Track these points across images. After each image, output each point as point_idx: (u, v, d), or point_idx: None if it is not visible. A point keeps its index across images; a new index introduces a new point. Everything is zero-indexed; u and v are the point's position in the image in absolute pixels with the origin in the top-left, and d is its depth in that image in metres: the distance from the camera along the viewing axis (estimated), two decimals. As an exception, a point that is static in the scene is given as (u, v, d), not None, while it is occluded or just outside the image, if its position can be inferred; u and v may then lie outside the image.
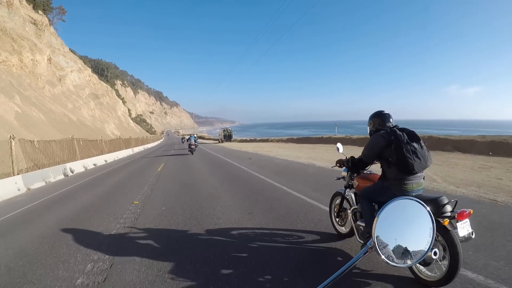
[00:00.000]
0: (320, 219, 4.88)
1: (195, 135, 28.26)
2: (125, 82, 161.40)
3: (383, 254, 0.88)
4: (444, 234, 2.52)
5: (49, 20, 55.83)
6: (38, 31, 45.57)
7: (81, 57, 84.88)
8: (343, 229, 4.03)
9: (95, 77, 71.64)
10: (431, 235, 0.92)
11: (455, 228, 2.52)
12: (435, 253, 2.43)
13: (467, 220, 2.55)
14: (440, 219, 2.50)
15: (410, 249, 0.91)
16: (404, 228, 0.93)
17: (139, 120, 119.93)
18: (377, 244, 0.88)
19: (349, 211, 3.67)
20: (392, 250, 0.89)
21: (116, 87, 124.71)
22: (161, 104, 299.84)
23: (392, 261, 0.88)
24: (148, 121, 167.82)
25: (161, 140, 77.89)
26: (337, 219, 4.13)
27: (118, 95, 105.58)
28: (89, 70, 68.62)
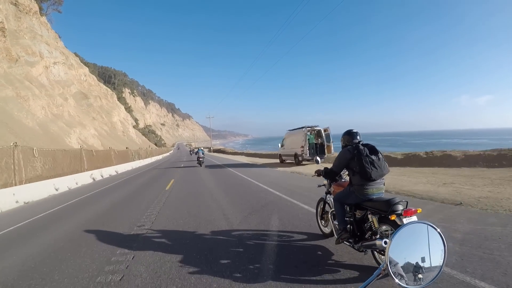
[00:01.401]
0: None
1: (202, 148, 29.22)
2: (135, 91, 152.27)
3: (396, 277, 0.89)
4: (396, 228, 2.96)
5: (41, 9, 49.26)
6: (19, 13, 37.04)
7: (87, 64, 78.48)
8: (327, 230, 4.69)
9: (93, 79, 64.25)
10: (443, 256, 0.94)
11: (402, 222, 3.02)
12: (385, 243, 2.90)
13: (414, 216, 3.07)
14: (389, 215, 3.11)
15: (422, 270, 0.92)
16: (417, 250, 0.94)
17: (147, 132, 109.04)
18: (390, 266, 0.89)
19: (329, 213, 4.38)
20: (404, 273, 0.91)
21: (123, 95, 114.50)
22: (173, 116, 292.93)
23: (405, 283, 0.89)
24: (158, 132, 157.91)
25: (167, 154, 66.66)
26: (322, 221, 4.87)
27: (124, 103, 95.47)
28: (86, 70, 61.20)
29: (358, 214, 3.70)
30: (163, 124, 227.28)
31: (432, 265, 0.94)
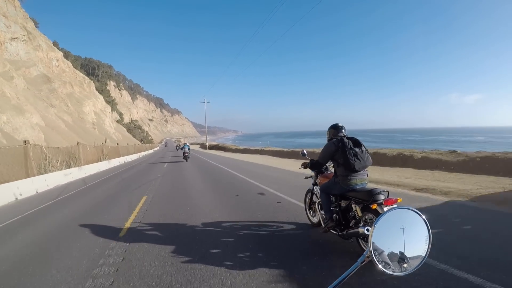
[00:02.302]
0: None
1: (188, 144, 29.68)
2: (121, 85, 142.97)
3: (379, 264, 0.89)
4: (377, 216, 2.53)
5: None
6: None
7: (67, 53, 74.82)
8: (315, 220, 4.88)
9: (68, 65, 58.91)
10: (427, 242, 0.94)
11: (383, 211, 2.75)
12: (367, 230, 3.11)
13: (394, 205, 3.16)
14: (371, 205, 3.27)
15: (407, 257, 0.92)
16: (400, 236, 0.94)
17: (133, 127, 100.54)
18: (374, 253, 0.88)
19: (317, 203, 4.60)
20: (388, 259, 0.90)
21: (108, 88, 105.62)
22: (161, 111, 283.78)
23: (389, 269, 0.89)
24: (145, 128, 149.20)
25: (150, 152, 56.57)
26: (310, 211, 5.05)
27: (108, 96, 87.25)
28: (60, 55, 56.16)
29: (343, 204, 3.87)
30: (151, 120, 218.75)
31: (417, 252, 0.92)
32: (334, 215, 3.90)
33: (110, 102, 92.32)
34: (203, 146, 70.88)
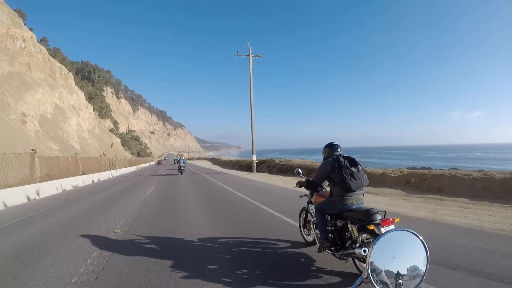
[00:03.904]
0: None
1: (184, 157, 30.73)
2: (120, 93, 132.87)
3: (377, 285, 0.90)
4: (374, 237, 3.15)
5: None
6: None
7: (64, 60, 72.22)
8: (309, 238, 4.94)
9: (42, 50, 51.44)
10: (425, 263, 0.95)
11: (380, 232, 3.09)
12: (364, 251, 3.12)
13: (391, 226, 3.11)
14: (367, 225, 3.25)
15: (404, 277, 0.93)
16: (399, 257, 0.94)
17: (129, 138, 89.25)
18: (372, 274, 0.90)
19: (311, 222, 4.60)
20: (387, 279, 0.91)
21: (104, 94, 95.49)
22: (164, 124, 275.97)
23: None
24: (145, 140, 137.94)
25: (133, 169, 42.09)
26: (304, 230, 5.09)
27: (101, 102, 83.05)
28: (31, 35, 47.61)
29: (339, 223, 3.85)
30: (152, 132, 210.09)
31: (415, 272, 0.92)
32: (330, 234, 3.92)
33: (104, 108, 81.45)
34: (211, 160, 60.32)
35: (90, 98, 75.20)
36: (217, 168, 43.70)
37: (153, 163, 68.97)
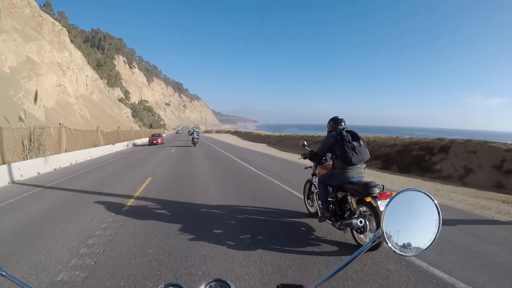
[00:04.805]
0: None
1: (198, 130, 31.14)
2: (134, 63, 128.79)
3: (390, 243, 0.91)
4: (371, 209, 3.44)
5: None
6: None
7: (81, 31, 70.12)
8: (312, 209, 5.11)
9: (32, 4, 46.76)
10: (437, 226, 0.94)
11: (377, 204, 3.35)
12: (360, 222, 3.45)
13: (388, 199, 2.77)
14: (365, 197, 3.47)
15: (416, 239, 0.94)
16: (411, 219, 0.95)
17: (141, 108, 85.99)
18: (385, 233, 0.91)
19: (315, 194, 4.83)
20: (398, 240, 0.93)
21: (115, 62, 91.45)
22: (179, 96, 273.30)
23: (398, 250, 0.91)
24: (159, 112, 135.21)
25: (123, 147, 27.81)
26: (308, 201, 5.28)
27: (110, 70, 78.76)
28: None
29: (340, 195, 4.03)
30: (167, 104, 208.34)
31: (427, 234, 0.93)
32: (331, 205, 4.10)
33: (113, 76, 77.85)
34: (231, 132, 53.60)
35: (98, 65, 71.55)
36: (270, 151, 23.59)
37: (164, 135, 63.81)
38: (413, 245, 0.93)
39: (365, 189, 3.48)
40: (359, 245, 3.69)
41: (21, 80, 32.88)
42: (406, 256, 0.92)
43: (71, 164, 14.48)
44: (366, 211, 3.57)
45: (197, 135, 27.13)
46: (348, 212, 3.78)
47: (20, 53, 35.62)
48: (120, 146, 26.05)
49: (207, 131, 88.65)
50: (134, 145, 31.64)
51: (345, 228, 3.79)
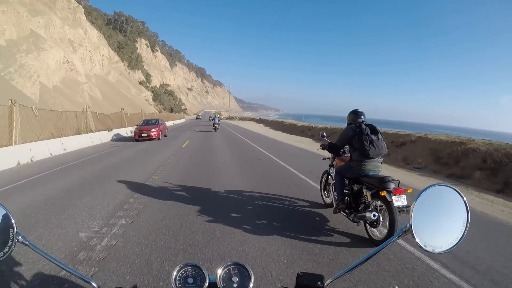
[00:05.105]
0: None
1: (219, 116, 33.91)
2: (156, 46, 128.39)
3: (417, 238, 0.89)
4: (386, 203, 3.50)
5: None
6: None
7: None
8: (328, 200, 5.19)
9: None
10: (465, 224, 0.92)
11: (391, 199, 3.42)
12: (374, 215, 3.53)
13: (403, 195, 3.50)
14: (380, 191, 3.53)
15: (443, 236, 0.92)
16: (439, 214, 0.93)
17: (163, 92, 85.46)
18: (413, 227, 0.89)
19: (331, 185, 4.83)
20: (425, 235, 0.91)
21: (138, 45, 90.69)
22: (202, 81, 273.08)
23: (425, 245, 0.90)
24: (181, 96, 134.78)
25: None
26: (324, 192, 5.35)
27: (131, 52, 77.16)
28: None
29: (356, 188, 4.08)
30: (190, 89, 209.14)
31: (454, 231, 0.91)
32: (346, 197, 4.14)
33: (135, 59, 77.14)
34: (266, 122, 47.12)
35: (119, 47, 70.84)
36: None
37: (182, 120, 60.47)
38: (440, 242, 0.90)
39: (381, 183, 3.57)
40: (371, 239, 3.76)
41: (17, 54, 29.10)
42: (432, 252, 0.89)
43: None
44: (380, 206, 3.64)
45: (218, 120, 28.41)
46: (363, 205, 3.87)
47: (23, 27, 33.30)
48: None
49: (229, 118, 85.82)
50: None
51: (359, 221, 3.90)
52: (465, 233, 0.90)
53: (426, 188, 0.90)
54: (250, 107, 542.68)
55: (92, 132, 16.77)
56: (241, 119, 79.74)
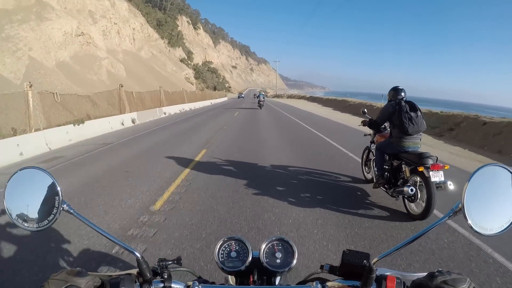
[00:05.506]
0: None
1: (264, 93, 33.46)
2: (199, 24, 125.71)
3: (469, 218, 0.85)
4: (423, 179, 3.55)
5: None
6: None
7: None
8: (368, 176, 5.33)
9: None
10: None
11: (429, 175, 3.47)
12: (411, 190, 3.63)
13: (440, 171, 3.50)
14: (418, 167, 3.58)
15: (495, 218, 0.87)
16: (492, 196, 0.89)
17: (206, 70, 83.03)
18: (465, 207, 0.85)
19: (372, 161, 4.99)
20: (476, 216, 0.86)
21: (178, 22, 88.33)
22: (246, 59, 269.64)
23: (477, 227, 0.86)
24: (225, 74, 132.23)
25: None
26: (365, 168, 5.47)
27: (171, 29, 74.78)
28: None
29: (395, 163, 4.20)
30: (234, 67, 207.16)
31: (506, 214, 0.86)
32: (386, 173, 4.26)
33: (175, 36, 74.74)
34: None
35: (158, 25, 68.58)
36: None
37: (224, 99, 57.66)
38: (491, 224, 0.86)
39: (419, 159, 3.65)
40: (409, 213, 3.88)
41: (5, 24, 23.24)
42: (482, 234, 0.86)
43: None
44: (419, 181, 3.73)
45: (263, 98, 29.79)
46: (401, 180, 3.98)
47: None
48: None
49: (276, 95, 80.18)
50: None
51: (397, 196, 4.03)
52: None
53: (479, 168, 0.85)
54: (296, 85, 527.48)
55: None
56: (290, 97, 72.88)
